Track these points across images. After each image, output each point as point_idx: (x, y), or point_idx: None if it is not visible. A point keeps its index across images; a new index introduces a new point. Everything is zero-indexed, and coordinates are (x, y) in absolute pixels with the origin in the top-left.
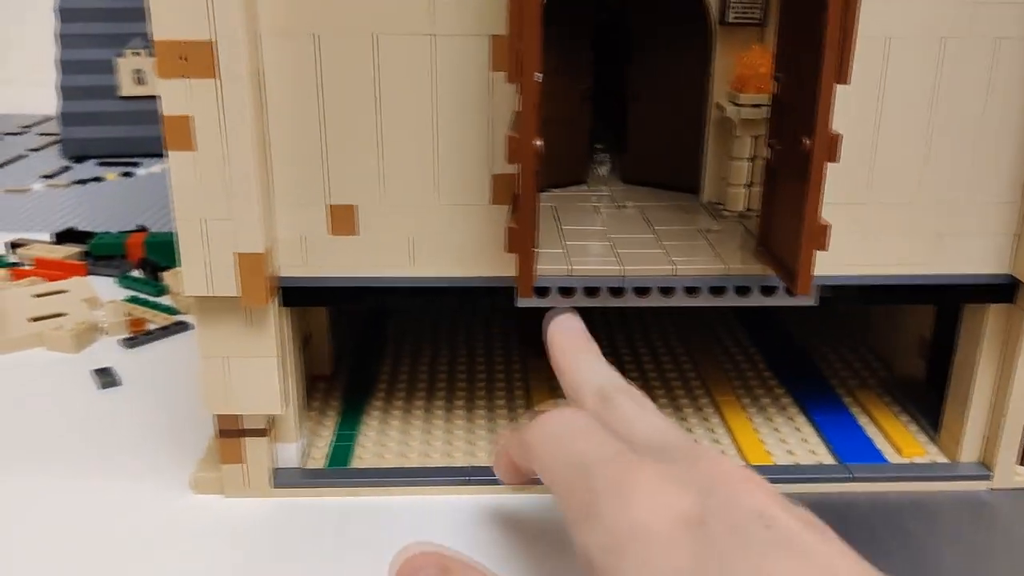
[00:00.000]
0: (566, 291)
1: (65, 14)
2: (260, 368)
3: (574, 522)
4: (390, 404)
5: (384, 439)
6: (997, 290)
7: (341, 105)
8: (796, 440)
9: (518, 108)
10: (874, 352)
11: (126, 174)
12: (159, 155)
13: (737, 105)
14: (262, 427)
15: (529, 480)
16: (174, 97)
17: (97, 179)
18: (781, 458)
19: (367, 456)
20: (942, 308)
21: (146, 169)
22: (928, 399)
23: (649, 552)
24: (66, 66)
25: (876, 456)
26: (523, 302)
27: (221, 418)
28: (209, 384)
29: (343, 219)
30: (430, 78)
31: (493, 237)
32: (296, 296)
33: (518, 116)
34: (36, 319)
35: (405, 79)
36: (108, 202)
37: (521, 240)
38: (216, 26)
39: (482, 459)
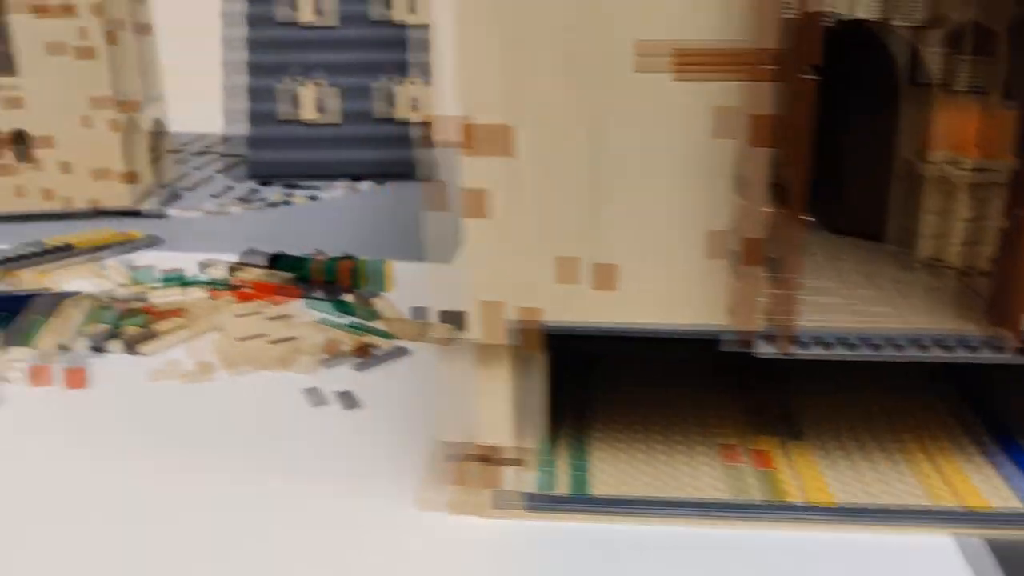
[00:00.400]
0: (799, 343)
1: (253, 44)
2: (502, 402)
3: None
4: (612, 436)
5: (612, 469)
6: None
7: (600, 179)
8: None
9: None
10: None
11: (312, 197)
12: (334, 177)
13: (961, 170)
14: (505, 455)
15: None
16: (473, 172)
17: (286, 202)
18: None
19: (599, 485)
20: None
21: (328, 193)
22: None
23: None
24: (253, 94)
25: None
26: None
27: (467, 445)
28: (465, 416)
29: (604, 276)
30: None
31: (704, 289)
32: (550, 340)
33: (786, 186)
34: (273, 342)
35: (659, 157)
36: (301, 225)
37: (785, 305)
38: (513, 113)
39: (706, 492)
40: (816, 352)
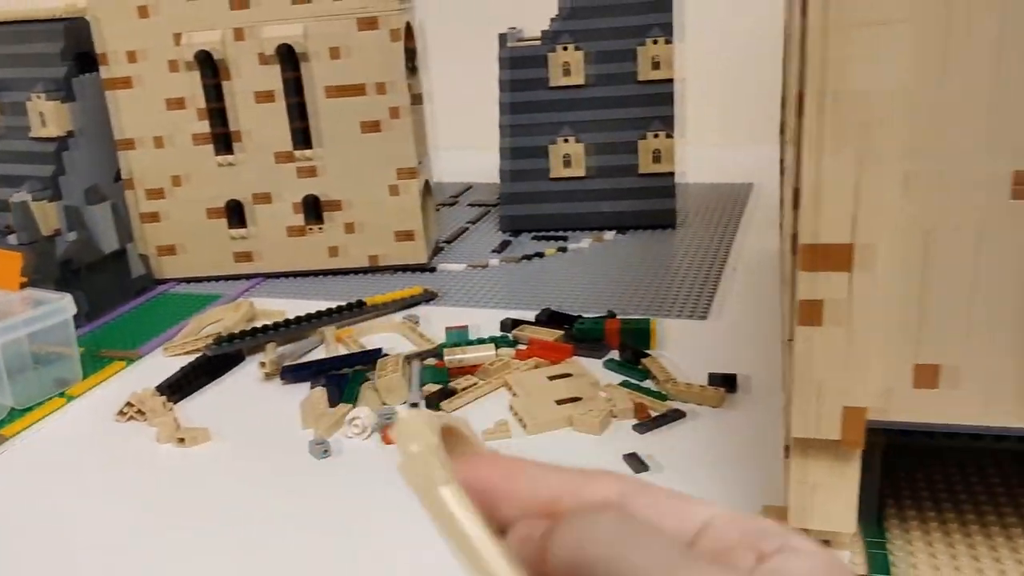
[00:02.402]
0: None
1: (505, 107)
2: (843, 493)
3: None
4: (905, 515)
5: (912, 549)
6: None
7: (940, 284)
8: None
9: None
10: None
11: (561, 249)
12: (581, 229)
13: None
14: (827, 538)
15: None
16: (811, 285)
17: (539, 254)
18: None
19: (902, 566)
20: None
21: (575, 243)
22: None
23: None
24: (506, 152)
25: None
26: None
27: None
28: (796, 503)
29: (927, 376)
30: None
31: None
32: (876, 435)
33: None
34: (560, 401)
35: (1000, 264)
36: (553, 277)
37: None
38: (856, 232)
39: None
40: None
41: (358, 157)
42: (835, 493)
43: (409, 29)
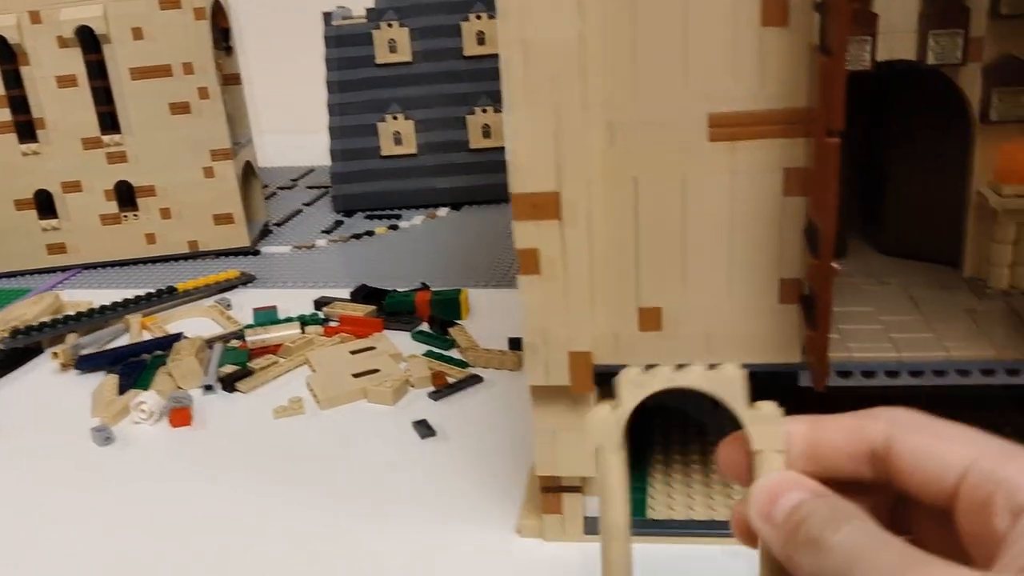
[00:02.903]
0: (844, 374)
1: (332, 86)
2: (581, 439)
3: None
4: (669, 459)
5: (671, 491)
6: None
7: (652, 229)
8: None
9: (810, 225)
10: None
11: (392, 227)
12: (415, 207)
13: (1000, 196)
14: (577, 485)
15: None
16: (526, 234)
17: (369, 233)
18: None
19: (659, 508)
20: None
21: (407, 221)
22: None
23: None
24: (335, 131)
25: None
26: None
27: (544, 477)
28: (540, 451)
29: (650, 319)
30: (729, 205)
31: (778, 330)
32: (609, 379)
33: (814, 238)
34: (357, 375)
35: (707, 206)
36: (382, 255)
37: (818, 345)
38: (561, 180)
39: None
40: (859, 382)
41: (169, 140)
42: (574, 437)
43: (219, 7)
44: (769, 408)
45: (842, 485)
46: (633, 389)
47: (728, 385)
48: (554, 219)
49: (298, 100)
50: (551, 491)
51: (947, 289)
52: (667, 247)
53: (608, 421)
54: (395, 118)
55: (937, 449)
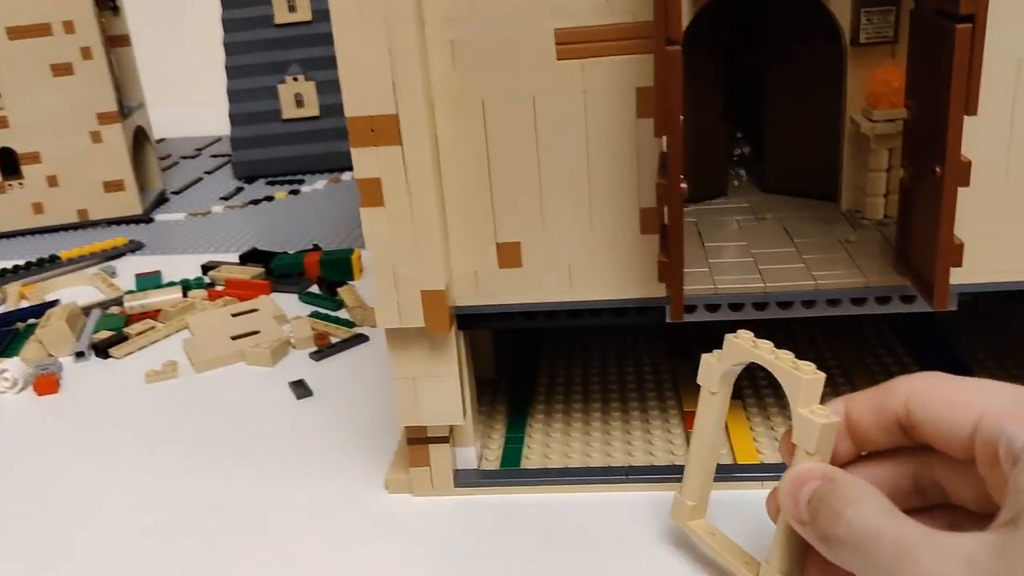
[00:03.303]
0: (712, 307)
1: (230, 48)
2: (444, 385)
3: None
4: (551, 408)
5: (549, 440)
6: None
7: (505, 157)
8: None
9: (664, 150)
10: None
11: (293, 192)
12: (319, 172)
13: (872, 121)
14: (444, 435)
15: None
16: (365, 163)
17: (268, 198)
18: None
19: (535, 457)
20: None
21: (310, 186)
22: None
23: None
24: (234, 95)
25: None
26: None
27: (409, 428)
28: (401, 400)
29: (509, 254)
30: (583, 128)
31: (642, 263)
32: (471, 321)
33: (664, 159)
34: (236, 337)
35: (561, 131)
36: (281, 220)
37: (672, 272)
38: (399, 101)
39: (638, 459)
40: (727, 315)
41: (51, 103)
42: (436, 384)
43: None
44: (819, 411)
45: (894, 453)
46: (734, 349)
47: (798, 382)
48: (395, 144)
49: (199, 68)
50: (417, 443)
51: (824, 223)
52: (521, 176)
53: (712, 366)
54: (295, 79)
55: (948, 413)
